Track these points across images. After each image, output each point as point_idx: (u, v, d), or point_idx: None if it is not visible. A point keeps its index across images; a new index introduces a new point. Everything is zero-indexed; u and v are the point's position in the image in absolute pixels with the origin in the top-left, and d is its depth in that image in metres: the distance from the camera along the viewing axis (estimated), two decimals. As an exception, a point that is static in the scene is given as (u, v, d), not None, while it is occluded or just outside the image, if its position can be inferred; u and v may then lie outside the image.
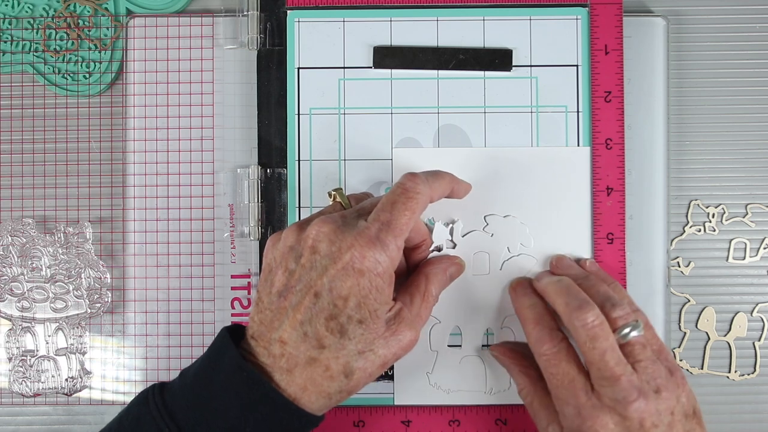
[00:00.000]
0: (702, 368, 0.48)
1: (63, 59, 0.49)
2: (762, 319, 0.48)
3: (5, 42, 0.49)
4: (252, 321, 0.38)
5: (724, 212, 0.48)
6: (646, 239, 0.46)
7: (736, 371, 0.48)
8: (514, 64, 0.46)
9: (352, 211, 0.38)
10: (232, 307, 0.47)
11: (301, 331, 0.36)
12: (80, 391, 0.48)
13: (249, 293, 0.47)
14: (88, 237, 0.48)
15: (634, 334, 0.38)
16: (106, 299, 0.47)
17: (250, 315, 0.38)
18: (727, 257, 0.48)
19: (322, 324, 0.35)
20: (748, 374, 0.48)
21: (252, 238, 0.47)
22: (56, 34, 0.49)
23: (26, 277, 0.47)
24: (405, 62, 0.46)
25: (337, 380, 0.36)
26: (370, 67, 0.46)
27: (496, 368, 0.45)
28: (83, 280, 0.47)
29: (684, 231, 0.49)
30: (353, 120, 0.46)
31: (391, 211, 0.37)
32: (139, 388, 0.47)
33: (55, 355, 0.48)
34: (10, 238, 0.48)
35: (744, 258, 0.48)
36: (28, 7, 0.49)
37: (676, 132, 0.48)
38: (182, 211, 0.48)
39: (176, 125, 0.48)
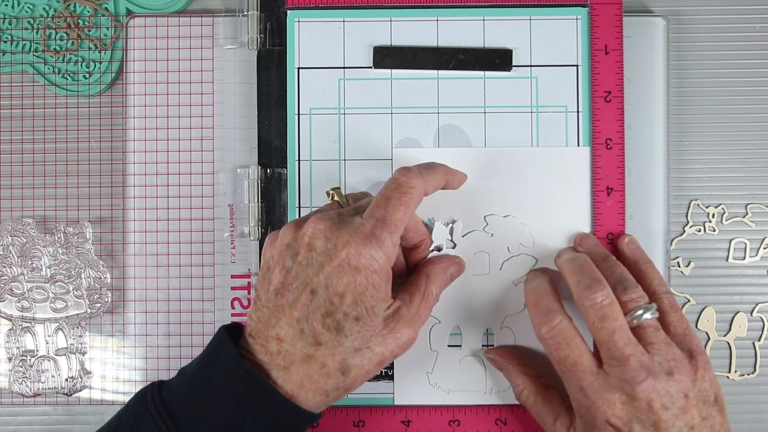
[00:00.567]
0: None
1: (63, 59, 0.49)
2: (762, 319, 0.48)
3: (5, 42, 0.49)
4: (250, 319, 0.38)
5: (724, 212, 0.48)
6: (646, 239, 0.46)
7: (736, 371, 0.48)
8: (514, 64, 0.46)
9: (349, 209, 0.38)
10: (232, 307, 0.47)
11: (297, 328, 0.36)
12: (80, 391, 0.48)
13: (249, 293, 0.47)
14: (88, 237, 0.48)
15: (646, 316, 0.38)
16: (106, 299, 0.47)
17: (249, 313, 0.38)
18: (727, 257, 0.48)
19: (319, 321, 0.35)
20: (748, 374, 0.48)
21: (252, 238, 0.47)
22: (56, 34, 0.49)
23: (26, 277, 0.47)
24: (405, 62, 0.46)
25: (334, 377, 0.36)
26: (370, 67, 0.46)
27: (496, 369, 0.45)
28: (83, 280, 0.47)
29: (684, 231, 0.49)
30: (353, 120, 0.46)
31: (385, 207, 0.37)
32: (139, 388, 0.47)
33: (55, 355, 0.48)
34: (10, 238, 0.48)
35: (744, 258, 0.48)
36: (28, 7, 0.49)
37: (676, 132, 0.48)
38: (182, 211, 0.48)
39: (176, 125, 0.48)
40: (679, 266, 0.48)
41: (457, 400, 0.46)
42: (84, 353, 0.48)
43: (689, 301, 0.48)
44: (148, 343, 0.48)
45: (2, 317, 0.48)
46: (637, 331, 0.38)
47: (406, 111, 0.46)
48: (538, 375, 0.43)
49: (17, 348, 0.48)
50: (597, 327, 0.38)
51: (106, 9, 0.48)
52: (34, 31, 0.49)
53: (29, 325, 0.48)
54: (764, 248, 0.48)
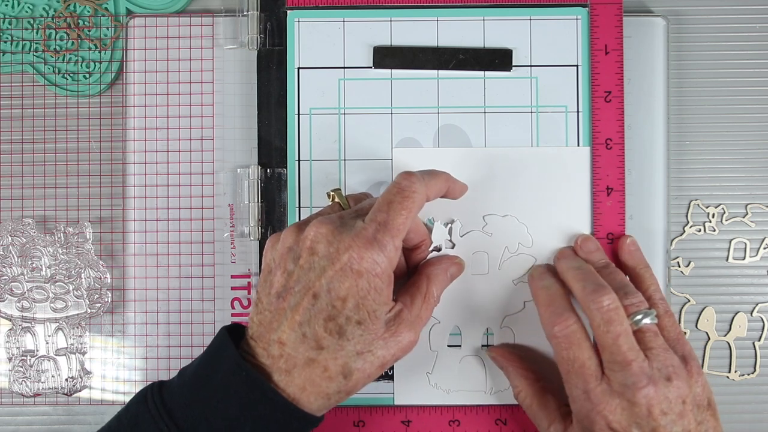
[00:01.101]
0: (702, 368, 0.48)
1: (63, 59, 0.49)
2: (762, 319, 0.48)
3: (5, 42, 0.49)
4: (251, 322, 0.38)
5: (724, 212, 0.48)
6: (646, 239, 0.46)
7: (736, 371, 0.48)
8: (514, 64, 0.46)
9: (351, 212, 0.38)
10: (232, 307, 0.47)
11: (299, 332, 0.36)
12: (80, 391, 0.48)
13: (249, 293, 0.47)
14: (88, 237, 0.48)
15: (646, 321, 0.39)
16: (106, 299, 0.47)
17: (250, 316, 0.38)
18: (727, 257, 0.48)
19: (321, 325, 0.35)
20: (748, 374, 0.48)
21: (252, 238, 0.47)
22: (56, 34, 0.49)
23: (26, 277, 0.47)
24: (405, 62, 0.46)
25: (336, 381, 0.36)
26: (370, 67, 0.46)
27: (496, 368, 0.45)
28: (83, 280, 0.47)
29: (684, 231, 0.49)
30: (353, 120, 0.46)
31: (387, 212, 0.37)
32: (140, 388, 0.47)
33: (55, 355, 0.48)
34: (10, 238, 0.48)
35: (744, 258, 0.48)
36: (28, 7, 0.49)
37: (676, 132, 0.48)
38: (182, 211, 0.48)
39: (176, 125, 0.48)
40: (679, 266, 0.48)
41: (457, 400, 0.46)
42: (84, 353, 0.48)
43: (689, 301, 0.48)
44: (148, 343, 0.48)
45: (2, 317, 0.48)
46: (636, 335, 0.39)
47: (406, 111, 0.46)
48: (536, 378, 0.43)
49: (17, 348, 0.48)
50: (602, 330, 0.38)
51: (106, 9, 0.48)
52: (34, 31, 0.49)
53: (29, 325, 0.48)
54: (764, 248, 0.48)
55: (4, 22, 0.49)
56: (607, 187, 0.45)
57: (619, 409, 0.37)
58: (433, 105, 0.46)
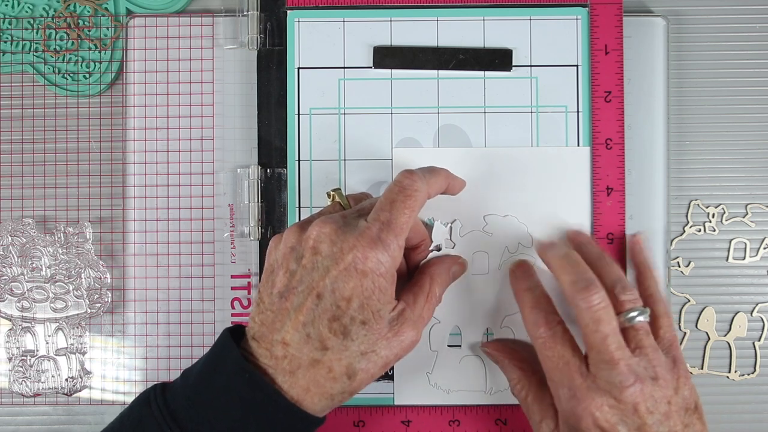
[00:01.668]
0: (702, 368, 0.48)
1: (63, 59, 0.49)
2: (762, 319, 0.48)
3: (5, 42, 0.49)
4: (252, 321, 0.38)
5: (724, 212, 0.48)
6: (646, 239, 0.46)
7: (736, 371, 0.48)
8: (514, 64, 0.46)
9: (353, 212, 0.38)
10: (232, 307, 0.47)
11: (303, 333, 0.36)
12: (80, 391, 0.48)
13: (249, 293, 0.47)
14: (88, 237, 0.48)
15: (640, 319, 0.38)
16: (106, 299, 0.47)
17: (251, 315, 0.38)
18: (727, 257, 0.48)
19: (325, 325, 0.35)
20: (748, 374, 0.48)
21: (252, 238, 0.47)
22: (56, 34, 0.49)
23: (26, 277, 0.47)
24: (405, 62, 0.46)
25: (340, 381, 0.36)
26: (370, 67, 0.46)
27: (496, 368, 0.45)
28: (83, 280, 0.47)
29: (684, 231, 0.49)
30: (353, 120, 0.46)
31: (390, 210, 0.37)
32: (139, 388, 0.47)
33: (55, 355, 0.48)
34: (10, 238, 0.48)
35: (744, 258, 0.48)
36: (28, 7, 0.49)
37: (676, 132, 0.48)
38: (182, 211, 0.48)
39: (176, 125, 0.48)
40: (679, 266, 0.48)
41: (457, 400, 0.46)
42: (84, 353, 0.48)
43: (689, 301, 0.48)
44: (148, 343, 0.48)
45: (2, 317, 0.48)
46: (628, 332, 0.38)
47: (406, 111, 0.46)
48: (533, 371, 0.43)
49: (17, 348, 0.48)
50: (591, 329, 0.38)
51: (106, 9, 0.48)
52: (34, 31, 0.49)
53: (29, 325, 0.48)
54: (764, 248, 0.48)
55: (4, 22, 0.49)
56: (607, 187, 0.45)
57: (606, 406, 0.37)
58: (433, 105, 0.46)
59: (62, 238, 0.48)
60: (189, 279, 0.48)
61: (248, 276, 0.47)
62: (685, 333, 0.48)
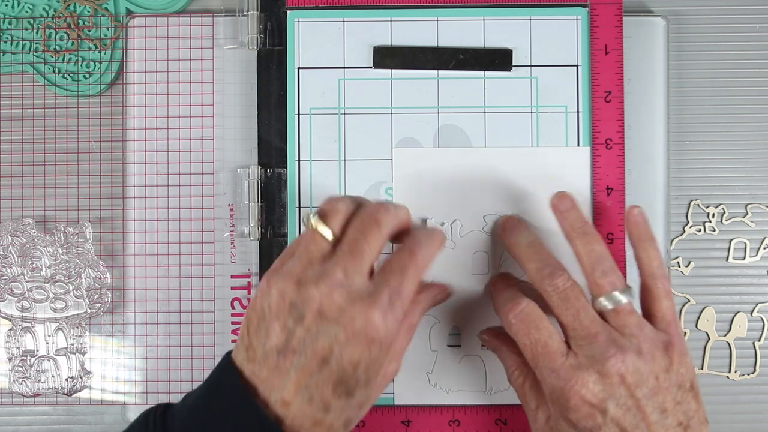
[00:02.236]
0: (702, 368, 0.48)
1: (63, 59, 0.49)
2: (762, 319, 0.48)
3: (5, 42, 0.49)
4: (242, 367, 0.36)
5: (724, 212, 0.48)
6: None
7: (736, 371, 0.48)
8: (514, 64, 0.46)
9: (354, 266, 0.36)
10: (232, 307, 0.47)
11: (306, 395, 0.35)
12: (80, 391, 0.48)
13: (249, 293, 0.47)
14: (88, 237, 0.48)
15: (620, 300, 0.38)
16: (106, 299, 0.47)
17: (237, 357, 0.36)
18: (727, 257, 0.48)
19: (330, 389, 0.35)
20: (748, 374, 0.48)
21: (252, 238, 0.47)
22: (56, 34, 0.49)
23: (26, 277, 0.47)
24: (405, 62, 0.46)
25: None
26: (370, 67, 0.46)
27: (496, 368, 0.45)
28: (83, 280, 0.47)
29: (684, 231, 0.49)
30: (353, 120, 0.46)
31: (401, 278, 0.36)
32: (139, 388, 0.47)
33: (55, 355, 0.48)
34: (10, 238, 0.48)
35: (744, 258, 0.48)
36: (28, 7, 0.49)
37: (676, 132, 0.48)
38: (182, 211, 0.48)
39: (176, 125, 0.48)
40: (679, 266, 0.48)
41: (457, 400, 0.46)
42: (84, 353, 0.48)
43: (689, 301, 0.48)
44: (148, 343, 0.48)
45: (2, 317, 0.48)
46: (611, 314, 0.38)
47: (406, 111, 0.46)
48: None
49: (17, 348, 0.48)
50: (561, 309, 0.38)
51: (106, 9, 0.48)
52: (34, 31, 0.49)
53: (29, 325, 0.48)
54: (764, 248, 0.48)
55: (4, 22, 0.49)
56: (607, 187, 0.45)
57: (591, 382, 0.37)
58: (433, 105, 0.46)
59: (62, 238, 0.48)
60: (189, 279, 0.48)
61: (248, 276, 0.47)
62: (685, 333, 0.48)
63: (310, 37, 0.47)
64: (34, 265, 0.47)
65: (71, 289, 0.47)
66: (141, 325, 0.48)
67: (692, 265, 0.49)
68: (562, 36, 0.46)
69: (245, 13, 0.47)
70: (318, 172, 0.46)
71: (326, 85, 0.46)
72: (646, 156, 0.47)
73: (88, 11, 0.49)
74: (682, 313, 0.48)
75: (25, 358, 0.47)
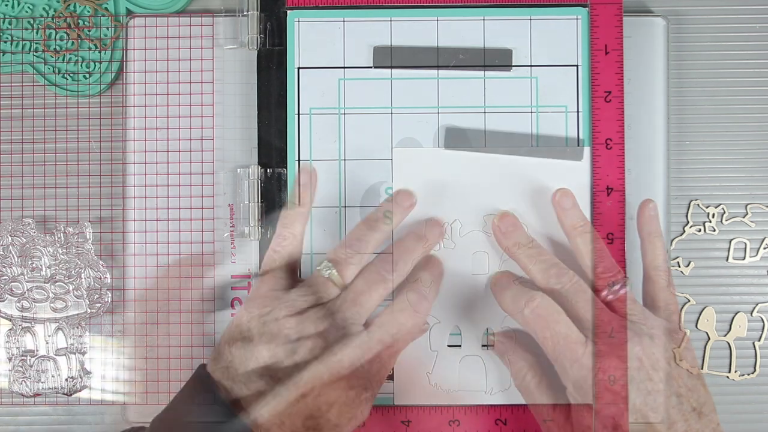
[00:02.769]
0: (702, 368, 0.48)
1: (63, 59, 0.49)
2: (762, 319, 0.48)
3: (5, 42, 0.49)
4: (221, 382, 0.38)
5: (724, 212, 0.48)
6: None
7: (736, 371, 0.48)
8: (514, 63, 0.46)
9: (354, 314, 0.39)
10: (232, 307, 0.47)
11: (278, 420, 0.37)
12: (80, 391, 0.48)
13: (249, 293, 0.47)
14: (88, 237, 0.48)
15: (623, 290, 0.40)
16: (106, 299, 0.47)
17: (215, 372, 0.38)
18: (727, 257, 0.48)
19: (300, 420, 0.36)
20: (748, 374, 0.48)
21: (252, 238, 0.47)
22: (56, 34, 0.49)
23: (26, 277, 0.47)
24: (405, 62, 0.46)
25: None
26: (370, 67, 0.46)
27: (496, 368, 0.45)
28: (83, 280, 0.47)
29: (684, 231, 0.49)
30: (353, 120, 0.46)
31: (392, 336, 0.39)
32: (139, 388, 0.47)
33: (55, 355, 0.48)
34: (10, 238, 0.48)
35: (744, 258, 0.48)
36: (28, 7, 0.49)
37: (676, 132, 0.48)
38: (182, 211, 0.48)
39: (176, 125, 0.48)
40: (679, 266, 0.48)
41: (457, 400, 0.46)
42: (84, 353, 0.48)
43: (689, 301, 0.48)
44: (148, 343, 0.48)
45: (2, 317, 0.48)
46: (614, 304, 0.40)
47: (406, 111, 0.46)
48: (540, 361, 0.43)
49: (17, 348, 0.48)
50: (572, 303, 0.39)
51: (106, 9, 0.48)
52: (34, 31, 0.49)
53: (29, 325, 0.48)
54: (764, 248, 0.48)
55: (4, 22, 0.49)
56: (607, 187, 0.45)
57: (612, 368, 0.37)
58: (433, 105, 0.46)
59: (62, 238, 0.48)
60: (189, 279, 0.48)
61: (248, 276, 0.47)
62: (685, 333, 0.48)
63: (310, 37, 0.47)
64: (34, 265, 0.47)
65: (71, 289, 0.47)
66: (141, 325, 0.47)
67: (692, 265, 0.49)
68: (562, 36, 0.46)
69: (245, 13, 0.47)
70: (318, 172, 0.46)
71: (326, 85, 0.46)
72: (646, 156, 0.47)
73: (88, 11, 0.49)
74: (682, 313, 0.48)
75: (25, 358, 0.47)
